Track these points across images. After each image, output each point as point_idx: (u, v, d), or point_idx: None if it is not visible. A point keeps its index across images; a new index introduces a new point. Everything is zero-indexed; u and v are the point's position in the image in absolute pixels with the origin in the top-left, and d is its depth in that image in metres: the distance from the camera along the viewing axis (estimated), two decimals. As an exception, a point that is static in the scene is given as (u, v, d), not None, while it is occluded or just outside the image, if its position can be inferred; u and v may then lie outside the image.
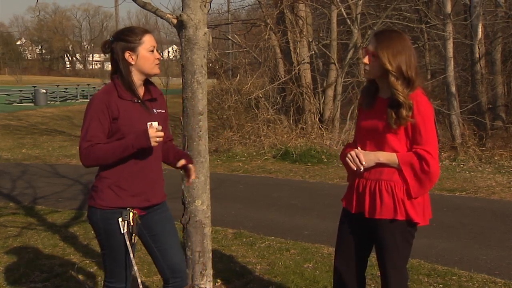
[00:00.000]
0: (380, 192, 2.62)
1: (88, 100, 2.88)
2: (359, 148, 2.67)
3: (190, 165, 2.87)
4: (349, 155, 2.63)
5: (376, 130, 2.63)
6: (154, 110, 2.76)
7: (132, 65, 2.70)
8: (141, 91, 2.76)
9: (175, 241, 2.88)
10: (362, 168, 2.62)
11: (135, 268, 2.70)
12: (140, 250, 3.56)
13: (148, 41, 2.70)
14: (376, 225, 2.66)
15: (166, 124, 2.85)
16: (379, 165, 2.63)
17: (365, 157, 2.61)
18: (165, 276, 2.86)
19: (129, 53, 2.69)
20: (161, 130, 2.64)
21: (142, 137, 2.59)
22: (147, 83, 2.81)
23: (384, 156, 2.60)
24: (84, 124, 2.65)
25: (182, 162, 2.86)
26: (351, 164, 2.62)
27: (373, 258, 4.44)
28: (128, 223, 2.65)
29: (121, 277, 2.76)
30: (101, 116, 2.62)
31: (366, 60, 2.62)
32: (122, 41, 2.70)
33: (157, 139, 2.60)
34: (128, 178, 2.67)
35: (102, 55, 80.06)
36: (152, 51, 2.72)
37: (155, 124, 2.64)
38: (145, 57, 2.69)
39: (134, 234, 2.68)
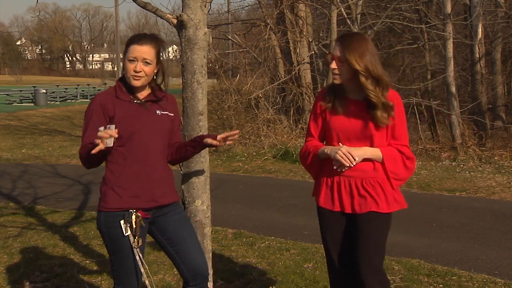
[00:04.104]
0: (371, 186, 2.69)
1: (88, 100, 2.92)
2: (341, 144, 2.72)
3: (212, 140, 2.78)
4: (340, 152, 2.67)
5: (356, 130, 2.70)
6: (158, 112, 2.75)
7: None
8: (144, 93, 2.77)
9: (193, 242, 2.83)
10: (353, 164, 2.66)
11: (142, 270, 2.66)
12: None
13: (130, 50, 2.68)
14: (364, 218, 2.70)
15: (174, 126, 2.84)
16: (361, 163, 2.69)
17: (355, 153, 2.66)
18: (186, 278, 2.81)
19: (123, 58, 2.73)
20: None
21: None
22: (155, 86, 2.81)
23: (370, 151, 2.70)
24: (83, 126, 2.69)
25: (209, 141, 2.77)
26: (344, 161, 2.65)
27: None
28: (131, 225, 2.63)
29: (129, 284, 2.71)
30: (96, 118, 2.65)
31: (333, 65, 2.70)
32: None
33: (105, 139, 2.43)
34: (128, 178, 2.66)
35: (102, 55, 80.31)
36: (132, 61, 2.67)
37: (112, 126, 2.52)
38: (125, 65, 2.70)
39: (137, 237, 2.64)
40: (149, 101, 2.76)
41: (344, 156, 2.65)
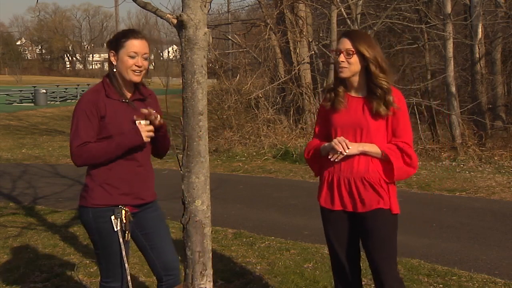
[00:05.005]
0: (371, 185, 2.70)
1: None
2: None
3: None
4: (335, 140, 2.69)
5: (355, 125, 2.72)
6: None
7: (114, 65, 2.73)
8: (130, 91, 2.79)
9: (167, 239, 2.92)
10: (345, 153, 2.67)
11: (126, 265, 2.72)
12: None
13: (130, 46, 2.69)
14: (369, 217, 2.71)
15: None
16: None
17: (350, 143, 2.68)
18: (159, 274, 2.89)
19: (112, 53, 2.73)
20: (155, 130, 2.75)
21: (134, 135, 2.64)
22: (138, 84, 2.82)
23: (367, 146, 2.70)
24: (73, 122, 2.68)
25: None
26: (338, 147, 2.66)
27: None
28: (121, 220, 2.67)
29: (116, 276, 2.78)
30: (90, 114, 2.65)
31: (342, 58, 2.70)
32: (112, 40, 2.76)
33: (148, 133, 2.66)
34: (119, 176, 2.70)
35: (102, 55, 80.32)
36: (133, 57, 2.69)
37: (143, 121, 2.68)
38: (123, 60, 2.70)
39: (127, 232, 2.69)
40: (136, 99, 2.78)
41: (338, 143, 2.67)
